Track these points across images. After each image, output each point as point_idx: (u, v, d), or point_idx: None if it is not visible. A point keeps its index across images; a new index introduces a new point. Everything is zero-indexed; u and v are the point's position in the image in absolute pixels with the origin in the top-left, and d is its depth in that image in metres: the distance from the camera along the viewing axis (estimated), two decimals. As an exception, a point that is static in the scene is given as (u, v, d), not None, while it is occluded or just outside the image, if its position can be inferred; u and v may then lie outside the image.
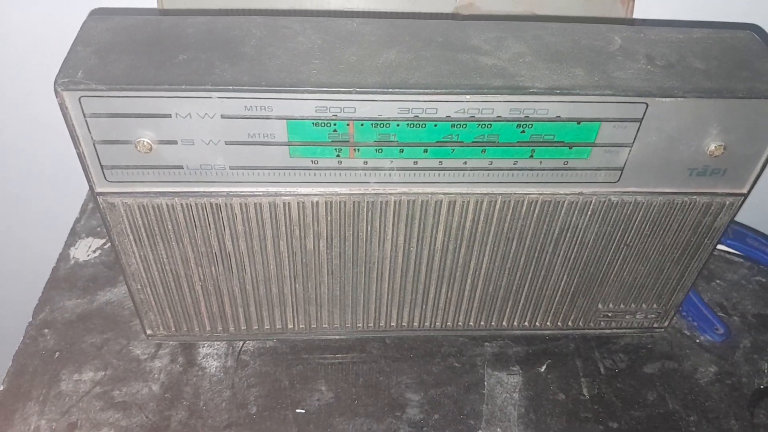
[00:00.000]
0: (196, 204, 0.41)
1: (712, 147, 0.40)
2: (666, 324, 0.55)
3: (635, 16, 0.59)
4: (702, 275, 0.62)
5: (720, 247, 0.64)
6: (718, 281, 0.62)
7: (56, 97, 0.35)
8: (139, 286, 0.47)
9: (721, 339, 0.57)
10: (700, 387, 0.53)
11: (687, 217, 0.45)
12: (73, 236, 0.63)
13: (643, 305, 0.52)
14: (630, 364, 0.54)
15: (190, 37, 0.39)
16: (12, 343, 0.53)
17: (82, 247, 0.61)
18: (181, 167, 0.39)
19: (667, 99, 0.38)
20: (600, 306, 0.52)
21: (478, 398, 0.51)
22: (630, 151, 0.41)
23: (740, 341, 0.57)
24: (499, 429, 0.49)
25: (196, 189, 0.40)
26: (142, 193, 0.41)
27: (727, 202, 0.44)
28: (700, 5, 0.59)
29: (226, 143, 0.38)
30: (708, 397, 0.53)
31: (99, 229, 0.63)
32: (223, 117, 0.37)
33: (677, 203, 0.44)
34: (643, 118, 0.39)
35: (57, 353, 0.52)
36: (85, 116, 0.36)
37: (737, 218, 0.64)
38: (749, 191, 0.44)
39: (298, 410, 0.49)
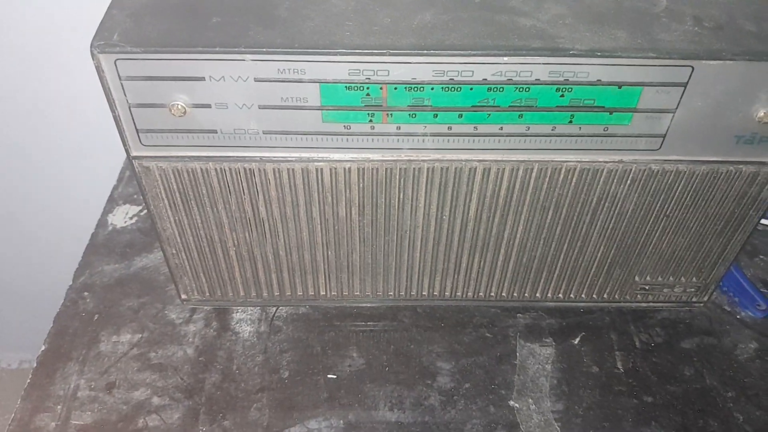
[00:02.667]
0: (229, 168, 0.41)
1: (762, 113, 0.39)
2: (705, 299, 0.53)
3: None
4: (745, 250, 0.60)
5: (764, 221, 0.62)
6: (761, 257, 0.60)
7: (92, 59, 0.36)
8: (174, 251, 0.47)
9: (763, 315, 0.55)
10: (740, 363, 0.52)
11: (731, 187, 0.44)
12: (111, 203, 0.64)
13: (682, 278, 0.51)
14: (667, 339, 0.53)
15: (223, 1, 0.38)
16: (53, 306, 0.54)
17: (119, 213, 0.63)
18: (215, 131, 0.39)
19: (715, 62, 0.36)
20: (637, 278, 0.51)
21: (509, 369, 0.51)
22: (673, 117, 0.39)
23: (783, 318, 0.55)
24: (530, 400, 0.49)
25: (229, 153, 0.41)
26: (177, 157, 0.41)
27: (775, 172, 0.42)
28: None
29: (260, 107, 0.38)
30: (747, 373, 0.51)
31: (135, 196, 0.64)
32: (256, 80, 0.37)
33: (722, 173, 0.43)
34: (688, 83, 0.37)
35: (96, 315, 0.53)
36: (120, 79, 0.37)
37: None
38: (799, 161, 0.42)
39: (329, 375, 0.50)
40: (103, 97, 0.37)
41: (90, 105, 0.71)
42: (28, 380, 0.49)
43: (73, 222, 0.72)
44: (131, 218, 0.62)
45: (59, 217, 0.85)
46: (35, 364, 0.50)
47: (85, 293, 0.55)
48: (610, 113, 0.39)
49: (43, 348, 0.51)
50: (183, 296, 0.52)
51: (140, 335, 0.52)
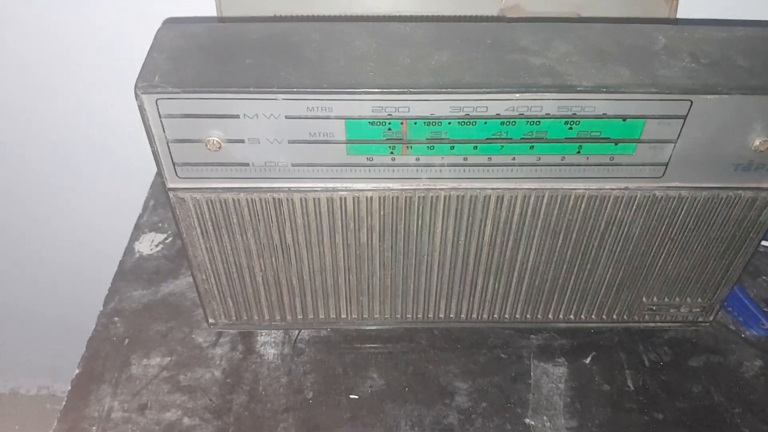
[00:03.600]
0: (260, 199, 0.44)
1: (757, 142, 0.41)
2: (711, 318, 0.56)
3: (678, 15, 0.60)
4: (748, 271, 0.62)
5: (766, 243, 0.64)
6: (764, 277, 0.62)
7: (136, 99, 0.39)
8: (204, 276, 0.50)
9: (767, 334, 0.57)
10: (746, 380, 0.54)
11: (731, 211, 0.46)
12: (137, 231, 0.66)
13: (688, 299, 0.53)
14: (674, 357, 0.55)
15: (254, 43, 0.41)
16: (85, 331, 0.56)
17: (145, 241, 0.65)
18: (247, 164, 0.42)
19: (712, 96, 0.39)
20: (644, 299, 0.53)
21: (524, 388, 0.53)
22: (674, 146, 0.42)
23: (787, 336, 0.57)
24: (545, 417, 0.51)
25: (260, 185, 0.43)
26: (210, 189, 0.44)
27: (773, 197, 0.45)
28: (743, 4, 0.60)
29: (289, 142, 0.41)
30: (753, 390, 0.53)
31: (160, 224, 0.67)
32: (287, 117, 0.40)
33: (722, 198, 0.45)
34: (687, 115, 0.40)
35: (126, 340, 0.56)
36: (160, 117, 0.40)
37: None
38: (795, 186, 0.44)
39: (351, 396, 0.52)
40: (128, 130, 0.40)
41: (116, 139, 0.75)
42: (64, 403, 0.51)
43: (98, 250, 0.74)
44: (157, 246, 0.65)
45: (82, 246, 0.88)
46: (69, 387, 0.52)
47: (116, 318, 0.57)
48: (616, 144, 0.42)
49: (77, 371, 0.53)
50: (210, 320, 0.54)
51: (169, 358, 0.54)
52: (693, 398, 0.53)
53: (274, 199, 0.44)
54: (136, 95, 0.39)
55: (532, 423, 0.50)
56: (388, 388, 0.53)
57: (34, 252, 0.93)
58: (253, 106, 0.39)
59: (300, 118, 0.40)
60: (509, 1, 0.56)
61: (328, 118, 0.40)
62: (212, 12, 0.59)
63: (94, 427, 0.49)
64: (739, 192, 0.45)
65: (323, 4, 0.58)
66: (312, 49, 0.41)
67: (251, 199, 0.44)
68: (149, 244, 0.65)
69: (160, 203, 0.69)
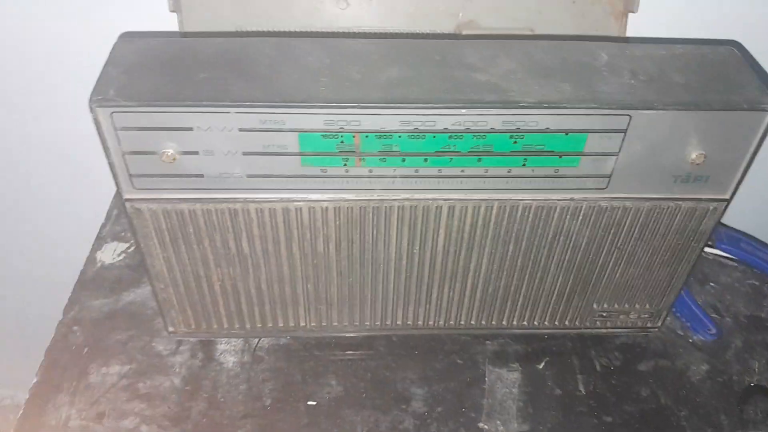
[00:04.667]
0: (215, 209, 0.45)
1: (694, 155, 0.43)
2: (659, 324, 0.57)
3: (628, 34, 0.62)
4: (696, 278, 0.65)
5: (714, 251, 0.66)
6: (711, 284, 0.65)
7: (90, 112, 0.39)
8: (162, 286, 0.50)
9: (713, 338, 0.59)
10: (692, 384, 0.56)
11: (673, 221, 0.48)
12: (100, 241, 0.66)
13: (636, 305, 0.55)
14: (624, 362, 0.57)
15: (209, 57, 0.42)
16: (44, 340, 0.56)
17: (107, 250, 0.65)
18: (202, 176, 0.43)
19: (649, 111, 0.41)
20: (595, 306, 0.55)
21: (479, 393, 0.54)
22: (617, 159, 0.44)
23: (732, 341, 0.59)
24: (498, 421, 0.52)
25: (215, 195, 0.44)
26: (166, 199, 0.44)
27: (711, 207, 0.47)
28: (692, 22, 0.62)
29: (243, 154, 0.42)
30: (699, 393, 0.55)
31: (123, 234, 0.67)
32: (240, 130, 0.41)
33: (664, 208, 0.47)
34: (627, 129, 0.42)
35: (86, 348, 0.56)
36: (116, 130, 0.40)
37: (732, 223, 0.67)
38: (732, 196, 0.46)
39: (309, 402, 0.53)
40: (90, 142, 0.41)
41: (78, 149, 0.75)
42: (21, 411, 0.51)
43: (63, 259, 0.74)
44: (119, 255, 0.65)
45: (49, 255, 0.88)
46: (27, 396, 0.52)
47: (75, 327, 0.58)
48: (560, 157, 0.43)
49: (35, 380, 0.53)
50: (170, 329, 0.55)
51: (129, 366, 0.55)
52: (641, 401, 0.54)
53: (229, 209, 0.45)
54: (91, 109, 0.39)
55: (486, 427, 0.52)
56: (346, 394, 0.53)
57: (-2, 261, 0.92)
58: (207, 119, 0.40)
59: (253, 130, 0.41)
60: (464, 17, 0.58)
61: (281, 130, 0.41)
62: (174, 26, 0.60)
63: (51, 436, 0.50)
64: (680, 203, 0.47)
65: (283, 20, 0.59)
66: (265, 64, 0.42)
67: (207, 209, 0.45)
68: (111, 254, 0.65)
69: (123, 213, 0.69)
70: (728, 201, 0.47)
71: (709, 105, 0.41)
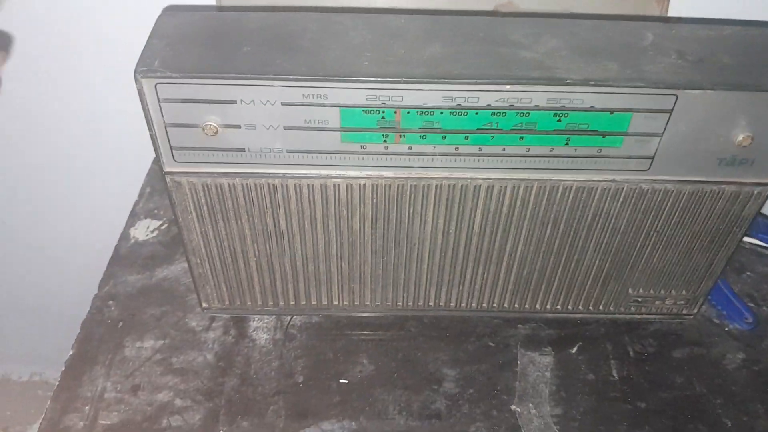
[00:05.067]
0: (255, 184, 0.45)
1: (740, 137, 0.42)
2: (695, 311, 0.57)
3: (670, 14, 0.61)
4: (733, 267, 0.64)
5: (752, 240, 0.65)
6: (748, 273, 0.64)
7: (135, 83, 0.40)
8: (198, 261, 0.51)
9: (749, 328, 0.58)
10: (728, 372, 0.55)
11: (715, 205, 0.47)
12: (133, 218, 0.67)
13: (672, 291, 0.54)
14: (659, 349, 0.56)
15: (252, 31, 0.42)
16: (79, 319, 0.57)
17: (141, 227, 0.66)
18: (243, 150, 0.43)
19: (696, 91, 0.40)
20: (630, 291, 0.54)
21: (511, 376, 0.54)
22: (660, 140, 0.43)
23: (769, 330, 0.59)
24: (531, 404, 0.52)
25: (255, 170, 0.44)
26: (207, 173, 0.45)
27: (755, 192, 0.46)
28: (734, 3, 0.61)
29: (285, 128, 0.42)
30: (734, 382, 0.54)
31: (156, 211, 0.68)
32: (282, 104, 0.41)
33: (706, 192, 0.46)
34: (672, 110, 0.41)
35: (120, 323, 0.56)
36: (159, 101, 0.40)
37: (769, 212, 0.66)
38: (777, 181, 0.46)
39: (341, 380, 0.53)
40: (126, 118, 0.41)
41: (114, 126, 0.75)
42: (57, 382, 0.52)
43: (98, 235, 0.75)
44: (152, 232, 0.66)
45: (79, 233, 0.89)
46: (63, 368, 0.53)
47: (110, 302, 0.58)
48: (603, 136, 0.43)
49: (71, 352, 0.54)
50: (204, 305, 0.55)
51: (162, 341, 0.55)
52: (676, 389, 0.54)
53: (268, 184, 0.45)
54: (136, 79, 0.39)
55: (518, 410, 0.52)
56: (378, 373, 0.54)
57: (31, 239, 0.93)
58: (250, 93, 0.40)
59: (295, 105, 0.41)
60: (503, -3, 0.57)
61: (323, 105, 0.41)
62: (211, 2, 0.60)
63: (87, 407, 0.50)
64: (723, 186, 0.46)
65: (320, -3, 0.59)
66: (308, 39, 0.42)
67: (246, 184, 0.45)
68: (145, 230, 0.66)
69: (156, 190, 0.70)
70: (773, 186, 0.46)
71: (758, 86, 0.40)
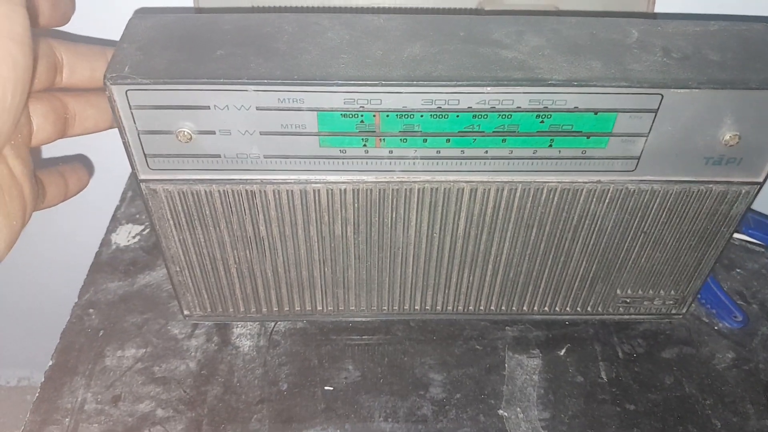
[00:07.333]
0: (232, 191, 0.44)
1: (727, 136, 0.42)
2: (684, 311, 0.56)
3: (657, 10, 0.60)
4: (722, 264, 0.63)
5: (741, 236, 0.65)
6: (738, 270, 0.63)
7: (105, 90, 0.38)
8: (177, 269, 0.50)
9: (739, 326, 0.58)
10: (717, 372, 0.55)
11: (703, 205, 0.46)
12: (114, 223, 0.66)
13: (661, 291, 0.54)
14: (648, 349, 0.56)
15: (226, 34, 0.41)
16: (60, 322, 0.56)
17: (122, 233, 0.65)
18: (219, 156, 0.42)
19: (682, 90, 0.39)
20: (618, 292, 0.54)
21: (498, 379, 0.53)
22: (646, 140, 0.42)
23: (759, 329, 0.58)
24: (518, 408, 0.51)
25: (232, 176, 0.43)
26: (182, 180, 0.43)
27: (743, 191, 0.45)
28: (723, 1, 0.60)
29: (261, 133, 0.41)
30: (725, 381, 0.54)
31: (138, 216, 0.67)
32: (258, 109, 0.39)
33: (693, 191, 0.45)
34: (658, 109, 0.40)
35: (101, 331, 0.55)
36: (131, 108, 0.39)
37: (760, 209, 0.65)
38: (765, 180, 0.45)
39: (326, 387, 0.52)
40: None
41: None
42: (37, 394, 0.51)
43: (78, 241, 0.74)
44: (134, 237, 0.64)
45: (59, 237, 0.87)
46: (43, 379, 0.52)
47: (90, 310, 0.57)
48: (588, 137, 0.42)
49: (50, 363, 0.53)
50: (185, 312, 0.54)
51: (144, 350, 0.54)
52: (665, 389, 0.53)
53: (246, 191, 0.44)
54: (106, 86, 0.38)
55: (506, 414, 0.51)
56: (363, 379, 0.53)
57: (17, 243, 0.92)
58: (224, 98, 0.39)
59: (271, 109, 0.39)
60: (487, -7, 0.56)
61: (299, 109, 0.40)
62: (188, 3, 0.59)
63: (66, 419, 0.49)
64: (710, 186, 0.45)
65: (300, -4, 0.58)
66: (284, 41, 0.41)
67: (224, 190, 0.44)
68: (126, 236, 0.65)
69: (138, 195, 0.69)
70: (761, 184, 0.45)
71: (745, 84, 0.39)
